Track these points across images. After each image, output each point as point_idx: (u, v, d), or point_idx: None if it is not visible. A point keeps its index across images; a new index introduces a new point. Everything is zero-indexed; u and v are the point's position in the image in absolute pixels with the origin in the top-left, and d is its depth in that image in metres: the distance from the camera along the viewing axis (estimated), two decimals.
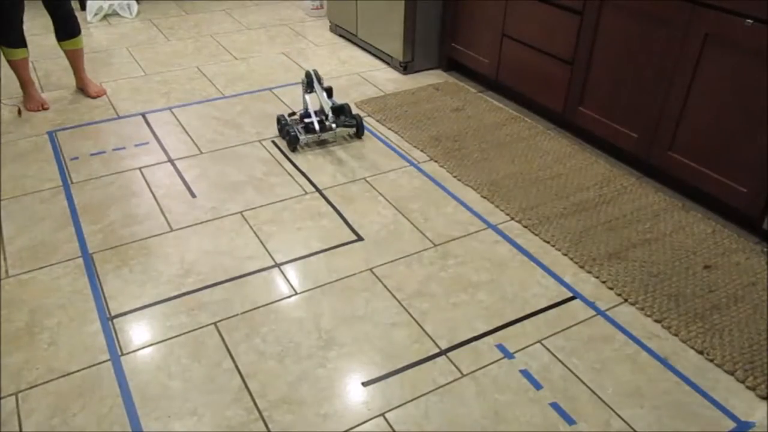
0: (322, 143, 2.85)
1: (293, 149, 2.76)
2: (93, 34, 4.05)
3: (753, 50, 2.07)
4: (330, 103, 2.76)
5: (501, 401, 1.66)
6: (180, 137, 2.87)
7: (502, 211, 2.41)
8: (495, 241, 2.25)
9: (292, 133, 2.73)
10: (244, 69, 3.59)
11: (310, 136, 2.78)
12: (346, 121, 2.84)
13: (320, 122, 2.79)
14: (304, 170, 2.64)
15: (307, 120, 2.81)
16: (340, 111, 2.87)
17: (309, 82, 2.77)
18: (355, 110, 3.09)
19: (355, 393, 1.68)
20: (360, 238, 2.25)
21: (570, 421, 1.61)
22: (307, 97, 2.82)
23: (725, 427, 1.61)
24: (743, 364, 1.77)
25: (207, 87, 3.36)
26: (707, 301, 1.98)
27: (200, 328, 1.87)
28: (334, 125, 2.75)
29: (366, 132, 2.92)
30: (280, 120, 2.87)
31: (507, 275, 2.10)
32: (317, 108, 2.87)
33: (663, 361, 1.79)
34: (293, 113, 2.91)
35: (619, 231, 2.29)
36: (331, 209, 2.40)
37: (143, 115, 3.06)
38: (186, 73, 3.52)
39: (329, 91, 2.82)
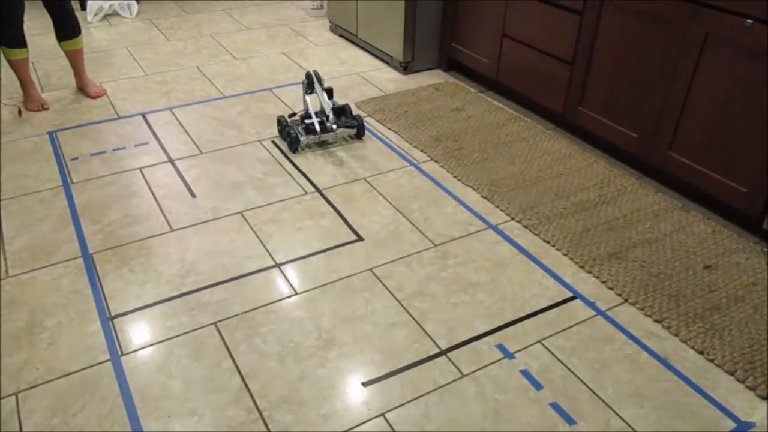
0: (322, 143, 2.85)
1: (294, 150, 2.76)
2: (93, 34, 4.05)
3: (753, 50, 2.07)
4: (330, 104, 2.76)
5: (501, 401, 1.66)
6: (180, 137, 2.87)
7: (502, 211, 2.41)
8: (495, 241, 2.25)
9: (293, 135, 2.73)
10: (244, 69, 3.59)
11: (311, 137, 2.79)
12: (347, 122, 2.84)
13: (321, 123, 2.79)
14: (304, 170, 2.64)
15: (307, 121, 2.80)
16: (341, 112, 2.88)
17: (309, 83, 2.77)
18: (355, 110, 3.09)
19: (355, 393, 1.68)
20: (360, 238, 2.25)
21: (570, 421, 1.61)
22: (307, 98, 2.82)
23: (725, 427, 1.61)
24: (743, 364, 1.77)
25: (207, 87, 3.36)
26: (707, 301, 1.98)
27: (200, 328, 1.87)
28: (335, 126, 2.76)
29: (366, 132, 2.92)
30: (280, 121, 2.87)
31: (507, 275, 2.10)
32: (317, 109, 2.87)
33: (663, 361, 1.79)
34: (293, 114, 2.91)
35: (619, 231, 2.29)
36: (331, 209, 2.40)
37: (143, 115, 3.06)
38: (186, 73, 3.52)
39: (329, 92, 2.82)
